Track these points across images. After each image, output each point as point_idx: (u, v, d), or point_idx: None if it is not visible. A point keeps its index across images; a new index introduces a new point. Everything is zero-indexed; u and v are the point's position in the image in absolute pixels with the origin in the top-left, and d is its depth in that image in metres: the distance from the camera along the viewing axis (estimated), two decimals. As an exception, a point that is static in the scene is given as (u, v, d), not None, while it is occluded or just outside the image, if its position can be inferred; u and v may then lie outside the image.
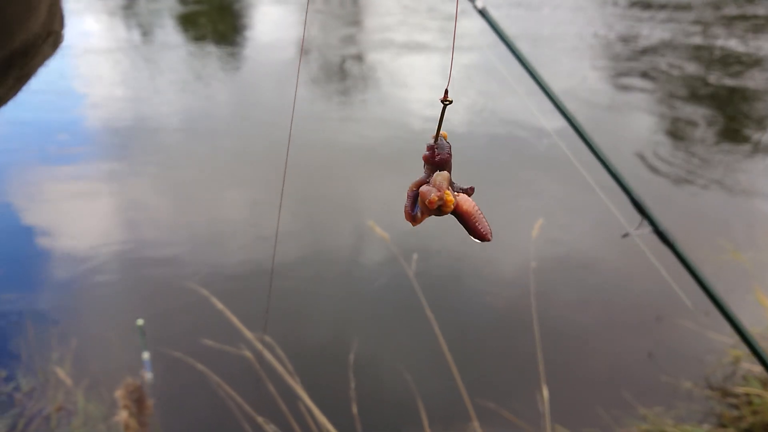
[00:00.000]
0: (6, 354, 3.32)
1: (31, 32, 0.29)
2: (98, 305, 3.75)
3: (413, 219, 0.51)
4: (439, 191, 0.49)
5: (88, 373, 3.13)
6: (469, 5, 1.48)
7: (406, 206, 0.51)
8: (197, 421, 2.84)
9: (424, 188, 0.50)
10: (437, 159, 0.51)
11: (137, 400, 2.70)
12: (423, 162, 0.52)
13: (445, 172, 0.51)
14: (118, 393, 2.71)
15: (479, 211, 0.51)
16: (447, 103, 0.50)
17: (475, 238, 0.52)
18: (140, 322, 2.92)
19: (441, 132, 0.51)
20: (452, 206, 0.49)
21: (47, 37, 0.30)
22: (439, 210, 0.50)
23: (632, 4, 11.37)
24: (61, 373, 3.08)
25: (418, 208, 0.51)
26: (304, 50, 9.21)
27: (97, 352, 3.31)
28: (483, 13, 1.46)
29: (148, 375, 2.95)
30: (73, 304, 3.75)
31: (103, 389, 3.02)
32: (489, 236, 0.51)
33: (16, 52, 0.29)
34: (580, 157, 1.80)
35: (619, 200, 1.81)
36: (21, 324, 3.50)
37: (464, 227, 0.51)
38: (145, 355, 2.97)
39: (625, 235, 1.50)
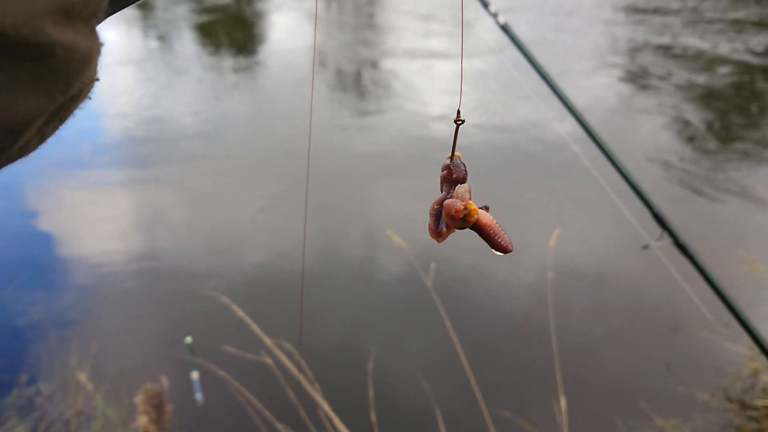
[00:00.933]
0: (27, 358, 3.36)
1: (83, 83, 0.33)
2: (118, 311, 3.80)
3: (438, 235, 0.53)
4: (463, 201, 0.51)
5: (107, 378, 3.17)
6: (491, 21, 1.50)
7: (429, 224, 0.53)
8: (216, 427, 2.86)
9: (448, 201, 0.52)
10: (454, 177, 0.53)
11: (156, 405, 2.73)
12: (440, 181, 0.54)
13: (466, 184, 0.53)
14: (138, 398, 2.74)
15: (498, 224, 0.53)
16: (459, 123, 0.52)
17: (497, 250, 0.53)
18: (189, 339, 2.83)
19: (455, 152, 0.54)
20: (476, 215, 0.51)
21: (89, 84, 0.34)
22: (464, 221, 0.51)
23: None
24: (81, 377, 3.12)
25: (443, 223, 0.53)
26: (319, 60, 9.27)
27: (116, 357, 3.34)
28: (505, 29, 1.48)
29: (198, 396, 2.86)
30: (92, 309, 3.80)
31: (123, 394, 3.05)
32: (510, 247, 0.53)
33: (69, 99, 0.33)
34: (598, 166, 1.81)
35: (636, 210, 1.82)
36: (42, 328, 3.55)
37: (486, 241, 0.53)
38: (195, 375, 2.87)
39: (646, 247, 1.50)
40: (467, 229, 0.53)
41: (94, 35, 0.33)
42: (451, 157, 0.54)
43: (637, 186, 1.54)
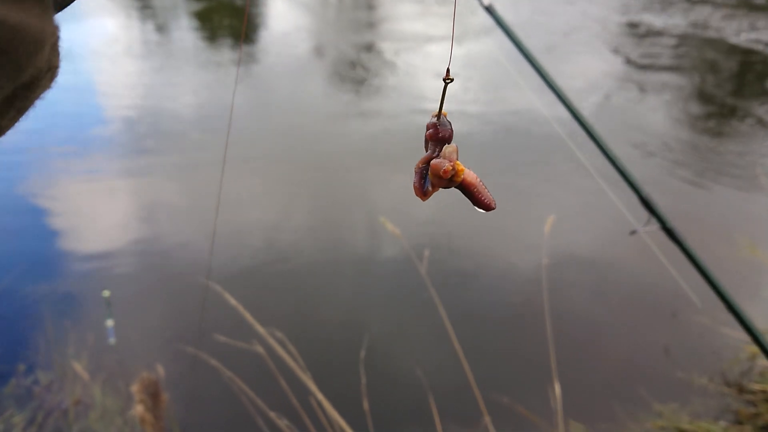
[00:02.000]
0: (25, 348, 3.37)
1: (36, 68, 0.31)
2: (114, 300, 3.80)
3: (424, 194, 0.53)
4: (451, 161, 0.51)
5: (104, 368, 3.18)
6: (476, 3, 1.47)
7: (414, 182, 0.53)
8: (212, 415, 2.87)
9: (435, 161, 0.52)
10: (440, 136, 0.53)
11: (153, 394, 2.74)
12: (426, 140, 0.54)
13: (454, 144, 0.53)
14: (134, 387, 2.75)
15: (482, 183, 0.54)
16: (448, 81, 0.52)
17: (480, 208, 0.54)
18: (107, 293, 3.19)
19: (442, 111, 0.53)
20: (462, 175, 0.52)
21: (48, 71, 0.32)
22: (450, 180, 0.52)
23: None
24: (78, 367, 3.13)
25: (429, 182, 0.53)
26: (315, 46, 9.22)
27: (113, 346, 3.35)
28: (489, 10, 1.45)
29: (112, 340, 3.21)
30: (89, 299, 3.80)
31: (120, 383, 3.06)
32: (493, 204, 0.54)
33: (22, 86, 0.31)
34: (588, 152, 1.79)
35: (625, 196, 1.80)
36: (40, 318, 3.56)
37: (469, 199, 0.54)
38: (110, 323, 3.24)
39: (633, 232, 1.49)
40: (455, 190, 0.54)
41: (47, 17, 0.30)
42: (438, 116, 0.53)
43: (624, 169, 1.52)
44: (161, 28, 10.41)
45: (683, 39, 8.96)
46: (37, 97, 0.33)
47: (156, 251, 4.25)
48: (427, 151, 0.54)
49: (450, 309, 2.56)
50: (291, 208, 4.53)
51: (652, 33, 9.20)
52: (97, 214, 4.76)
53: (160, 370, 2.87)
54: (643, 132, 6.07)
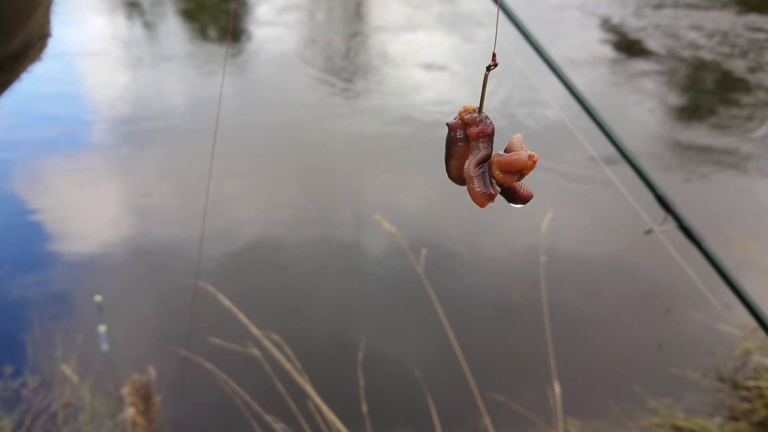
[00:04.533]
0: (13, 350, 3.31)
1: (27, 35, 0.26)
2: (104, 301, 3.74)
3: (491, 197, 0.48)
4: (528, 152, 0.47)
5: (93, 370, 3.12)
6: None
7: (475, 189, 0.48)
8: (205, 418, 2.83)
9: (510, 156, 0.47)
10: (490, 131, 0.48)
11: (144, 397, 2.69)
12: (467, 138, 0.49)
13: (518, 133, 0.49)
14: (125, 390, 2.70)
15: None
16: (493, 67, 0.47)
17: (519, 203, 0.50)
18: (98, 298, 3.16)
19: (468, 105, 0.49)
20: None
21: (38, 40, 0.28)
22: (520, 174, 0.48)
23: None
24: (67, 369, 3.07)
25: (491, 182, 0.48)
26: (309, 38, 9.14)
27: (105, 353, 3.29)
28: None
29: (104, 347, 3.16)
30: (78, 300, 3.74)
31: (110, 385, 3.01)
32: (531, 194, 0.50)
33: (11, 55, 0.27)
34: (593, 144, 1.76)
35: (635, 192, 1.77)
36: (27, 319, 3.49)
37: (510, 196, 0.50)
38: (102, 329, 3.20)
39: (649, 231, 1.45)
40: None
41: None
42: (480, 109, 0.48)
43: (638, 166, 1.48)
44: (148, 25, 10.29)
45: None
46: (24, 69, 0.29)
47: (146, 251, 4.19)
48: (451, 155, 0.49)
49: (448, 308, 2.53)
50: (283, 208, 4.48)
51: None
52: (86, 213, 4.68)
53: (152, 372, 2.82)
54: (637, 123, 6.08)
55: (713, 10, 9.55)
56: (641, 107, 6.64)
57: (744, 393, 3.21)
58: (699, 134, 6.01)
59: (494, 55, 0.47)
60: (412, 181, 4.97)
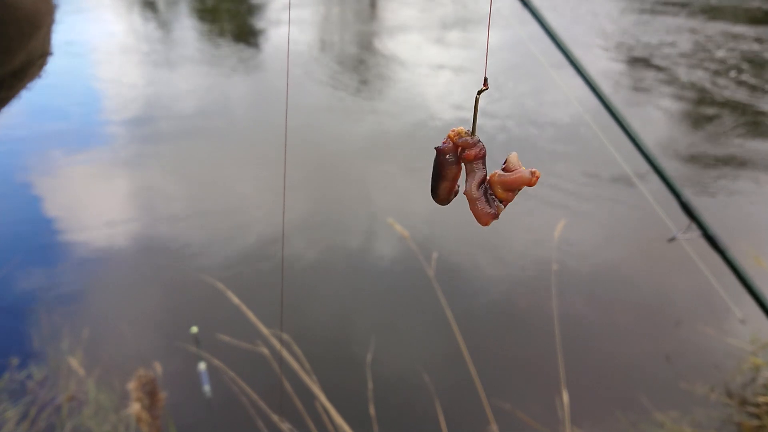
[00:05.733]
0: (19, 341, 3.31)
1: (29, 54, 0.27)
2: (112, 295, 3.74)
3: (495, 216, 0.50)
4: (530, 170, 0.50)
5: (100, 363, 3.12)
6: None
7: (480, 209, 0.50)
8: (210, 415, 2.82)
9: (512, 174, 0.49)
10: (484, 153, 0.50)
11: (150, 392, 2.68)
12: (443, 164, 0.50)
13: (515, 152, 0.51)
14: (131, 385, 2.68)
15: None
16: (483, 90, 0.49)
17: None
18: (194, 329, 2.71)
19: (458, 128, 0.50)
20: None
21: (39, 58, 0.28)
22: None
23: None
24: (73, 362, 3.07)
25: (493, 201, 0.50)
26: (320, 40, 9.16)
27: (109, 342, 3.29)
28: (526, 2, 1.40)
29: (206, 388, 2.74)
30: (86, 294, 3.74)
31: (115, 380, 3.01)
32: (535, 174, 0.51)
33: (11, 73, 0.27)
34: (613, 148, 1.75)
35: (660, 197, 1.75)
36: (34, 312, 3.50)
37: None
38: (202, 366, 2.74)
39: (672, 239, 1.44)
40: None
41: None
42: (473, 132, 0.50)
43: (664, 173, 1.46)
44: (163, 24, 10.33)
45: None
46: (24, 86, 0.29)
47: (157, 246, 4.19)
48: (442, 178, 0.50)
49: (458, 313, 2.51)
50: (294, 208, 4.47)
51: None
52: (96, 206, 4.69)
53: (158, 367, 2.82)
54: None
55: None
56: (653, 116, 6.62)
57: (752, 409, 3.17)
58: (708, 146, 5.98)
59: (485, 79, 0.48)
60: (424, 183, 4.96)
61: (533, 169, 0.49)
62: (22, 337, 3.33)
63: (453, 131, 0.50)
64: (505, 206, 0.50)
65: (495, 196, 0.50)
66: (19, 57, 0.26)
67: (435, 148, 0.50)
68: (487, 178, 0.50)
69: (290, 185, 4.80)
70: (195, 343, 2.76)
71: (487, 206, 0.50)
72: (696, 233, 1.37)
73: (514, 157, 0.50)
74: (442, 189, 0.51)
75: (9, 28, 0.24)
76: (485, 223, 0.50)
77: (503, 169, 0.50)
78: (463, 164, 0.50)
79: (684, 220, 1.37)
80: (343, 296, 3.73)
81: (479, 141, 0.49)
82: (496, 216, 0.50)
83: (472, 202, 0.50)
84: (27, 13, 0.24)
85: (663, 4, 11.13)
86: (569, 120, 6.08)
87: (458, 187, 0.51)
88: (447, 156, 0.50)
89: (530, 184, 0.49)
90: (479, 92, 0.48)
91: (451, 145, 0.50)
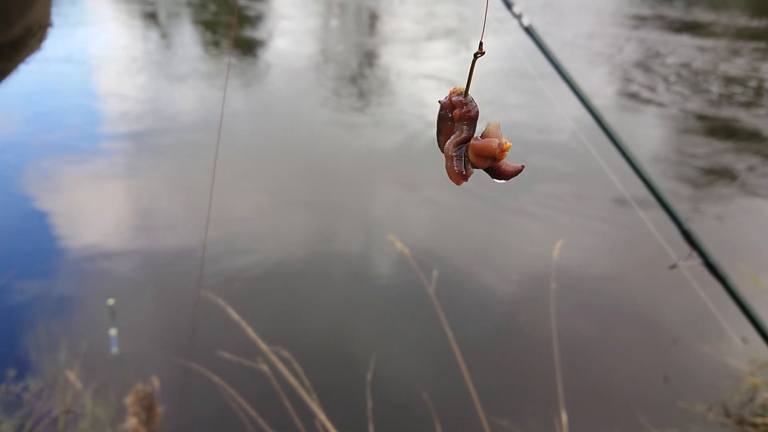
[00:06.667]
0: (16, 353, 3.30)
1: (28, 23, 0.26)
2: (116, 305, 3.73)
3: (463, 177, 0.51)
4: (499, 139, 0.50)
5: (97, 377, 3.10)
6: (514, 22, 1.44)
7: (451, 166, 0.51)
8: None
9: (483, 141, 0.50)
10: (472, 114, 0.50)
11: (147, 407, 2.67)
12: (451, 119, 0.51)
13: (497, 120, 0.51)
14: (128, 399, 2.67)
15: None
16: (479, 54, 0.49)
17: (502, 179, 0.52)
18: (111, 301, 3.15)
19: (458, 87, 0.51)
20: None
21: (39, 29, 0.27)
22: (494, 159, 0.50)
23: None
24: (71, 375, 3.05)
25: (466, 164, 0.51)
26: (322, 56, 9.21)
27: (107, 355, 3.28)
28: (529, 30, 1.42)
29: (114, 350, 3.14)
30: (84, 307, 3.73)
31: (112, 394, 2.99)
32: (520, 166, 0.52)
33: (10, 43, 0.26)
34: (612, 173, 1.76)
35: (659, 224, 1.77)
36: (32, 323, 3.48)
37: (495, 173, 0.52)
38: (113, 332, 3.21)
39: (673, 266, 1.44)
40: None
41: None
42: (465, 93, 0.51)
43: (664, 200, 1.48)
44: (164, 36, 10.38)
45: (684, 64, 9.01)
46: (23, 59, 0.28)
47: (155, 259, 4.18)
48: (440, 131, 0.52)
49: (457, 331, 2.51)
50: (293, 223, 4.48)
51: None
52: (94, 218, 4.69)
53: (156, 382, 2.80)
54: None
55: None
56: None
57: (750, 429, 3.17)
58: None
59: (481, 44, 0.49)
60: (425, 199, 4.98)
61: (504, 141, 0.49)
62: (19, 349, 3.32)
63: (453, 88, 0.51)
64: (470, 172, 0.51)
65: (468, 159, 0.51)
66: (18, 26, 0.25)
67: (438, 101, 0.52)
68: (469, 140, 0.51)
69: (291, 200, 4.81)
70: (112, 313, 3.04)
71: (457, 166, 0.50)
72: (697, 261, 1.38)
73: (494, 125, 0.50)
74: (440, 142, 0.52)
75: None
76: (455, 182, 0.51)
77: (481, 136, 0.51)
78: None
79: (685, 246, 1.39)
80: (344, 313, 3.72)
81: (470, 102, 0.50)
82: (464, 177, 0.51)
83: (447, 158, 0.51)
84: None
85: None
86: (566, 138, 6.11)
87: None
88: (443, 111, 0.51)
89: (497, 156, 0.49)
90: (475, 55, 0.49)
91: (449, 101, 0.51)
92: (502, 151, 0.49)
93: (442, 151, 0.52)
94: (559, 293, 3.04)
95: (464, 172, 0.50)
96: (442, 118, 0.51)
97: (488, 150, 0.49)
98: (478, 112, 0.51)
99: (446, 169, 0.51)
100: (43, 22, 0.27)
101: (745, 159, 6.12)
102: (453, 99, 0.50)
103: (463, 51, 9.68)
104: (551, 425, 2.61)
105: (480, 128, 0.51)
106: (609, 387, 3.35)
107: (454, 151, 0.50)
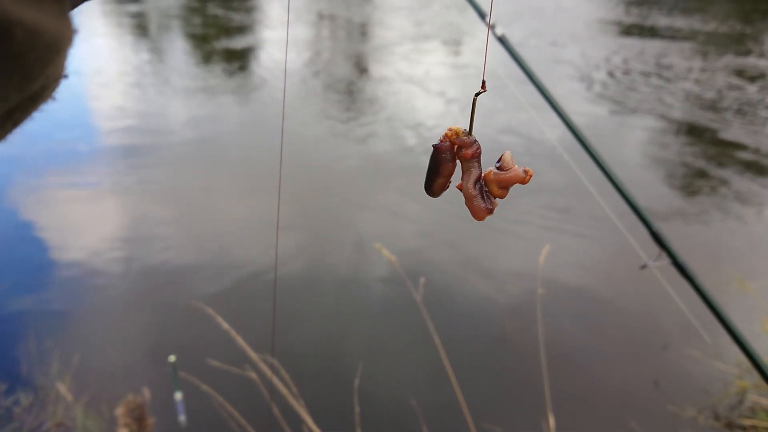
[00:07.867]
0: (6, 367, 3.29)
1: (47, 78, 0.27)
2: (101, 320, 3.73)
3: (489, 211, 0.53)
4: (523, 167, 0.52)
5: (88, 389, 3.10)
6: (488, 32, 1.47)
7: (476, 205, 0.52)
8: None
9: (508, 173, 0.52)
10: (479, 152, 0.52)
11: (138, 418, 2.67)
12: (441, 162, 0.52)
13: (508, 151, 0.53)
14: (119, 411, 2.67)
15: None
16: (481, 92, 0.51)
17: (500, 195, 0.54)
18: (172, 358, 2.69)
19: (456, 127, 0.52)
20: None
21: (53, 82, 0.29)
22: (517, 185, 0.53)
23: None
24: (62, 388, 3.05)
25: (488, 198, 0.53)
26: (310, 60, 9.26)
27: (98, 368, 3.28)
28: (502, 41, 1.46)
29: (181, 418, 2.74)
30: (75, 319, 3.73)
31: (103, 406, 2.99)
32: (528, 173, 0.53)
33: (29, 96, 0.27)
34: (593, 182, 1.80)
35: (632, 228, 1.80)
36: (23, 337, 3.48)
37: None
38: (178, 396, 2.73)
39: (643, 267, 1.48)
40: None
41: (65, 19, 0.26)
42: (470, 131, 0.52)
43: (634, 203, 1.52)
44: (155, 50, 10.43)
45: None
46: (36, 108, 0.29)
47: (146, 270, 4.19)
48: (440, 174, 0.53)
49: (445, 337, 2.53)
50: (283, 234, 4.49)
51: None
52: (87, 231, 4.69)
53: (146, 393, 2.81)
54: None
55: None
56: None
57: (739, 432, 3.19)
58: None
59: (483, 82, 0.51)
60: (411, 209, 5.01)
61: (526, 168, 0.51)
62: (10, 362, 3.31)
63: (450, 130, 0.52)
64: (495, 204, 0.53)
65: (490, 192, 0.52)
66: (38, 82, 0.26)
67: (433, 145, 0.53)
68: (482, 175, 0.53)
69: (282, 211, 4.82)
70: (174, 372, 2.72)
71: (483, 202, 0.52)
72: (666, 261, 1.42)
73: (508, 155, 0.52)
74: (437, 185, 0.53)
75: (32, 54, 0.24)
76: (481, 218, 0.53)
77: (498, 168, 0.52)
78: (458, 161, 0.53)
79: (654, 248, 1.43)
80: (332, 320, 3.74)
81: (476, 140, 0.52)
82: (491, 211, 0.52)
83: (469, 199, 0.52)
84: (50, 39, 0.25)
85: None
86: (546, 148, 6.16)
87: (449, 183, 0.54)
88: (444, 154, 0.52)
89: (523, 182, 0.52)
90: (477, 94, 0.51)
91: (448, 143, 0.52)
92: (530, 177, 0.52)
93: (433, 193, 0.53)
94: (546, 298, 3.06)
95: (490, 207, 0.52)
96: (441, 161, 0.52)
97: (516, 180, 0.52)
98: (479, 149, 0.53)
99: (470, 208, 0.52)
100: (58, 75, 0.28)
101: (733, 166, 6.19)
102: (456, 140, 0.52)
103: (452, 56, 9.75)
104: (539, 430, 2.63)
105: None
106: (598, 391, 3.37)
107: (476, 190, 0.52)
